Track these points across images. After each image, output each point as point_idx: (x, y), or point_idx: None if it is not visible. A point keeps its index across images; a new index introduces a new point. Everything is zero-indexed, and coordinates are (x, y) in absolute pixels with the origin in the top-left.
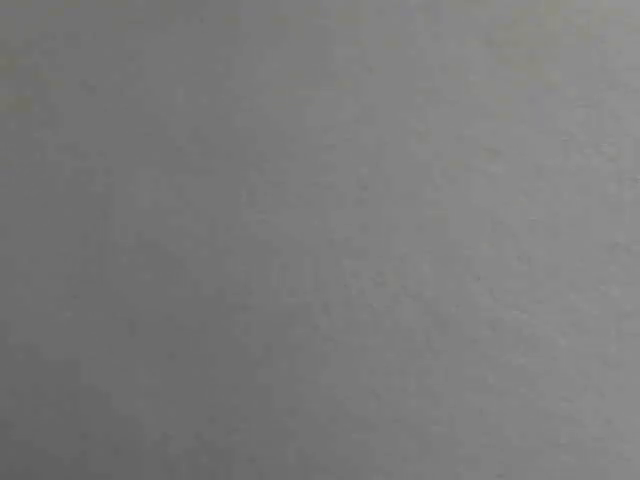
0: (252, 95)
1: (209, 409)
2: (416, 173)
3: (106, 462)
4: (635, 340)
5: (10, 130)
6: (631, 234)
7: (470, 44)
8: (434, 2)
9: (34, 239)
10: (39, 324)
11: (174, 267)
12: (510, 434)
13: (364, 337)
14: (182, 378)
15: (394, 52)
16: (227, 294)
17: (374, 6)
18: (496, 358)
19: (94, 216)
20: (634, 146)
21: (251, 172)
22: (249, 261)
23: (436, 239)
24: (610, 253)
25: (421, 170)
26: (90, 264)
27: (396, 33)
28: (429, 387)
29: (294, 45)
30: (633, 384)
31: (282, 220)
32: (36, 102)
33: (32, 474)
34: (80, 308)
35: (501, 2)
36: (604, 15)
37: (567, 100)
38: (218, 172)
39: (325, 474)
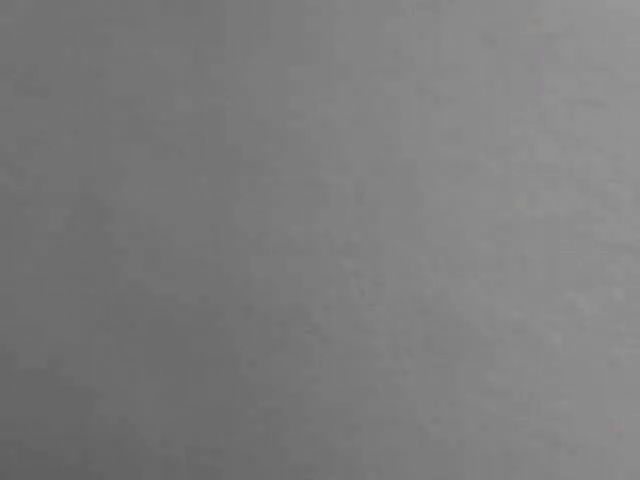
0: (250, 93)
1: (208, 409)
2: (416, 173)
3: (106, 463)
4: (636, 339)
5: (9, 129)
6: (631, 233)
7: (470, 44)
8: (434, 1)
9: (33, 239)
10: (38, 324)
11: (173, 267)
12: (510, 433)
13: (364, 337)
14: (181, 378)
15: (393, 51)
16: (227, 294)
17: (373, 4)
18: (496, 358)
19: (93, 215)
20: (634, 145)
21: (250, 172)
22: (248, 261)
23: (436, 238)
24: (610, 252)
25: (421, 170)
26: (89, 264)
27: (395, 32)
28: (429, 387)
29: (291, 43)
30: (634, 384)
31: (281, 220)
32: (34, 101)
33: (31, 475)
34: (79, 308)
35: (501, 1)
36: (604, 14)
37: (567, 99)
38: (216, 172)
39: (325, 474)
